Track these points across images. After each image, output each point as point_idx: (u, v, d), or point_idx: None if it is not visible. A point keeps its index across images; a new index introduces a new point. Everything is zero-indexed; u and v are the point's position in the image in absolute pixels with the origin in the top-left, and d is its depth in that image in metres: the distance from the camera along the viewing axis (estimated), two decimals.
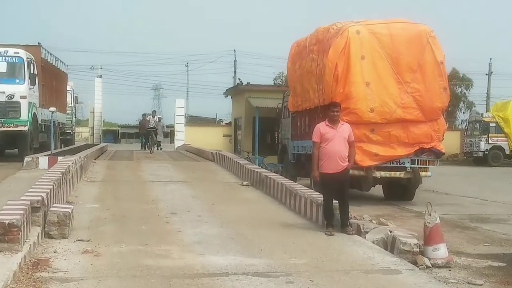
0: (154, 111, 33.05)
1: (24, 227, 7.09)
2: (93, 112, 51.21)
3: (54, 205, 9.24)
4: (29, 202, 7.97)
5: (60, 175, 11.65)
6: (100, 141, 45.38)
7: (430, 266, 7.75)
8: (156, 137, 30.89)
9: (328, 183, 9.74)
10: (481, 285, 6.99)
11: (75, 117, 42.60)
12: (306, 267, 7.09)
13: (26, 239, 7.25)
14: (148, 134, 30.68)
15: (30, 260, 6.79)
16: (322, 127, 9.81)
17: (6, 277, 5.66)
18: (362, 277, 6.70)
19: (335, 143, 9.63)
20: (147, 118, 31.32)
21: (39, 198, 8.43)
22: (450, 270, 7.70)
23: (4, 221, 6.65)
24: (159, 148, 33.84)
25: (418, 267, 7.57)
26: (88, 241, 8.28)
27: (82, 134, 48.50)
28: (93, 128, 51.10)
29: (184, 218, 10.60)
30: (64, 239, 8.26)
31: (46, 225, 8.37)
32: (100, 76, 53.64)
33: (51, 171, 12.75)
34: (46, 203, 8.69)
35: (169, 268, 6.87)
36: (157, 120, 31.38)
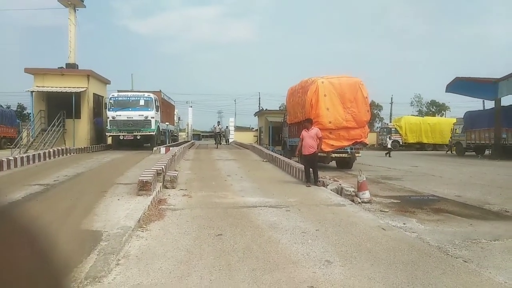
0: (218, 122, 31.40)
1: (153, 183, 7.66)
2: (188, 124, 53.54)
3: (168, 171, 9.72)
4: (155, 170, 8.58)
5: (171, 157, 12.19)
6: (191, 139, 46.46)
7: (360, 202, 8.08)
8: (221, 138, 29.46)
9: (305, 159, 10.16)
10: (387, 211, 7.36)
11: (179, 127, 43.60)
12: (296, 203, 7.45)
13: (154, 189, 7.78)
14: (216, 136, 28.98)
15: (156, 200, 7.32)
16: (303, 132, 10.24)
17: (144, 207, 6.32)
18: (325, 208, 7.13)
19: (306, 139, 10.05)
20: (215, 126, 29.86)
21: (161, 168, 9.04)
22: (371, 204, 8.03)
23: (143, 180, 7.32)
24: (227, 143, 34.08)
25: (354, 203, 7.89)
26: (185, 190, 8.71)
27: (182, 135, 50.15)
28: (187, 132, 52.84)
29: (234, 178, 10.92)
30: (174, 189, 8.73)
31: (164, 182, 8.86)
32: (191, 106, 55.80)
33: (167, 155, 13.25)
34: (164, 170, 9.20)
35: (226, 203, 7.31)
36: (222, 127, 29.85)
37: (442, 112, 60.36)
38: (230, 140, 36.52)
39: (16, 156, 12.81)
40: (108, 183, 8.99)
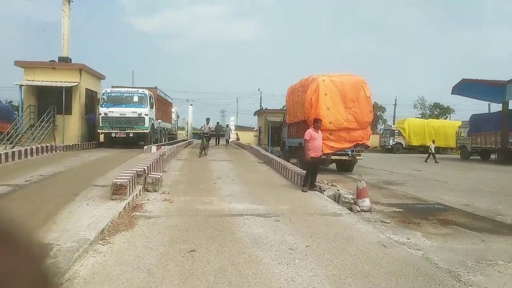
0: (208, 119, 19.32)
1: (129, 186, 6.96)
2: (187, 123, 51.80)
3: (151, 172, 9.02)
4: (135, 171, 7.93)
5: (158, 156, 11.44)
6: (190, 138, 45.43)
7: (360, 211, 7.56)
8: (208, 141, 18.95)
9: (314, 162, 9.40)
10: (389, 223, 6.75)
11: (177, 125, 42.46)
12: (287, 211, 6.81)
13: (132, 192, 7.16)
14: (203, 138, 18.46)
15: (132, 205, 6.66)
16: (311, 131, 9.42)
17: (114, 214, 5.66)
18: (319, 218, 6.44)
19: (319, 141, 9.45)
20: (203, 125, 19.41)
21: (142, 169, 8.32)
22: (371, 213, 7.49)
23: (117, 183, 6.62)
24: (227, 144, 30.75)
25: (353, 211, 7.33)
26: (168, 193, 8.08)
27: (182, 134, 49.09)
28: (187, 131, 51.50)
29: (224, 181, 10.28)
30: (155, 192, 8.10)
31: (145, 184, 8.19)
32: (191, 105, 54.16)
33: (154, 154, 12.46)
34: (146, 172, 8.49)
35: (209, 211, 6.63)
36: (211, 126, 19.82)
37: (446, 115, 59.44)
38: (230, 140, 34.76)
39: None
40: (84, 184, 8.29)
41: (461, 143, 29.41)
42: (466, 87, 26.94)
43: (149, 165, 9.18)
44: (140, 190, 7.81)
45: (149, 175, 8.61)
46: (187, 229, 5.45)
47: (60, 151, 16.62)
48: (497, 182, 13.52)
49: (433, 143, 25.21)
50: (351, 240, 5.19)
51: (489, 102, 32.31)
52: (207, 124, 19.03)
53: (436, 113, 60.62)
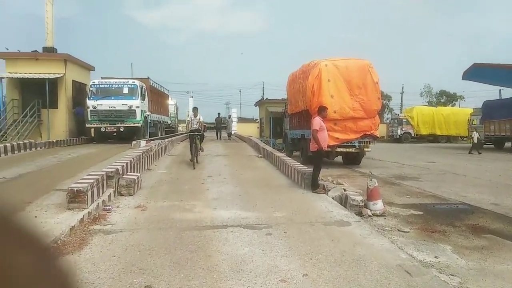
0: (195, 108, 12.71)
1: (94, 191, 5.87)
2: (188, 115, 50.79)
3: (128, 173, 7.84)
4: (104, 173, 6.77)
5: (141, 153, 10.23)
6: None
7: (371, 215, 6.41)
8: (201, 142, 12.68)
9: (323, 155, 8.41)
10: (408, 231, 5.55)
11: (177, 118, 40.86)
12: (283, 220, 5.62)
13: (97, 199, 6.03)
14: (192, 137, 11.96)
15: (93, 216, 5.47)
16: (321, 120, 8.16)
17: (63, 230, 4.48)
18: (322, 229, 5.23)
19: (326, 132, 8.41)
20: (189, 118, 13.06)
21: (114, 169, 7.14)
22: (385, 218, 6.29)
23: (74, 189, 5.43)
24: (230, 138, 27.78)
25: (363, 216, 6.19)
26: (145, 197, 6.94)
27: (184, 127, 47.75)
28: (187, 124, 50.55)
29: (214, 180, 9.08)
30: (130, 196, 6.99)
31: (118, 187, 7.07)
32: (192, 97, 52.90)
33: (135, 151, 11.08)
34: (120, 172, 7.33)
35: (187, 221, 5.45)
36: (201, 119, 12.40)
37: (453, 102, 57.83)
38: (233, 132, 31.38)
39: None
40: (45, 188, 7.12)
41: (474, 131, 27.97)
42: (477, 72, 25.65)
43: (124, 164, 8.01)
44: (110, 195, 6.66)
45: (124, 176, 7.42)
46: (150, 250, 4.26)
47: (41, 148, 15.48)
48: None
49: (476, 133, 22.46)
50: (363, 263, 4.00)
51: (501, 88, 30.95)
52: (195, 116, 12.27)
53: (442, 100, 58.93)
